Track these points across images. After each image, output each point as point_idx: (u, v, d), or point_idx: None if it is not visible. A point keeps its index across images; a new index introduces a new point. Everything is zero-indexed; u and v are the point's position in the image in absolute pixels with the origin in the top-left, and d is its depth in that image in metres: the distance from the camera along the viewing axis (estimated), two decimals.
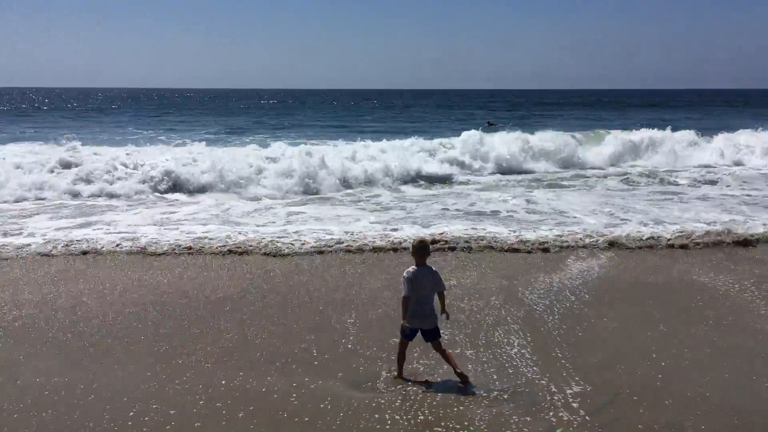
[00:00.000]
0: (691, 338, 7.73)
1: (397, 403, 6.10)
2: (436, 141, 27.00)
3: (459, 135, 26.77)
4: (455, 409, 5.97)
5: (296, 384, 6.50)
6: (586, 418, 5.80)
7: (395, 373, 6.70)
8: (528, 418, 5.80)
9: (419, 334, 6.61)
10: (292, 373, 6.76)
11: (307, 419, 5.80)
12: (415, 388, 6.40)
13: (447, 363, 6.66)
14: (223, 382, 6.54)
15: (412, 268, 6.57)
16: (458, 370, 6.55)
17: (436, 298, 6.59)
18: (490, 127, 45.78)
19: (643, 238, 12.59)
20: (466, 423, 5.72)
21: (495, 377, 6.66)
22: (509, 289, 9.56)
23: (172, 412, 5.92)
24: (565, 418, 5.79)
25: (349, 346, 7.51)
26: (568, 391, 6.31)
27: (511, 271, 10.60)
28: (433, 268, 6.65)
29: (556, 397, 6.20)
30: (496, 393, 6.31)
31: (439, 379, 6.62)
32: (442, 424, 5.72)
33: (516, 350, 7.32)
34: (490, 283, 9.88)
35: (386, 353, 7.20)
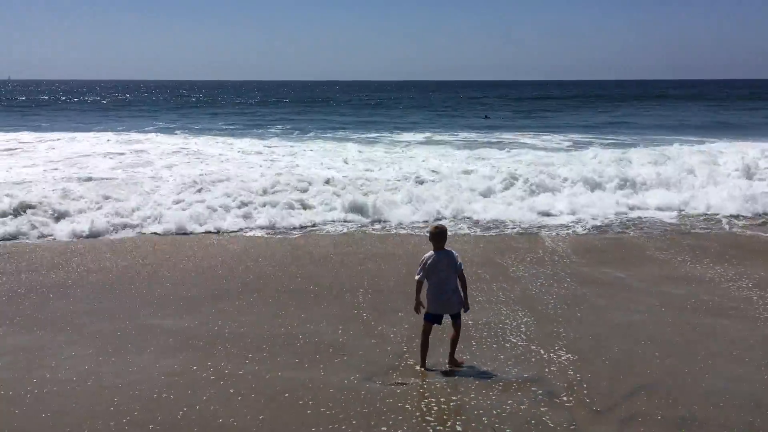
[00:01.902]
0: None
1: (413, 394, 6.18)
2: None
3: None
4: (470, 400, 6.03)
5: (313, 372, 6.63)
6: (604, 412, 5.84)
7: (418, 366, 6.75)
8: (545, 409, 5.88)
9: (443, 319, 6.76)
10: (311, 361, 6.90)
11: (324, 407, 5.89)
12: (432, 379, 6.47)
13: (450, 344, 6.74)
14: (241, 371, 6.68)
15: (430, 252, 6.69)
16: (453, 357, 6.74)
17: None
18: (487, 120, 47.41)
19: None
20: (482, 413, 5.77)
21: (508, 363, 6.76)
22: None
23: (185, 396, 6.06)
24: (582, 411, 5.84)
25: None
26: (584, 383, 6.37)
27: None
28: (452, 251, 6.75)
29: (573, 388, 6.25)
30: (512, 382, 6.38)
31: (463, 367, 6.73)
32: (456, 415, 5.78)
33: (520, 335, 7.48)
34: None
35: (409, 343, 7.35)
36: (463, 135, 35.46)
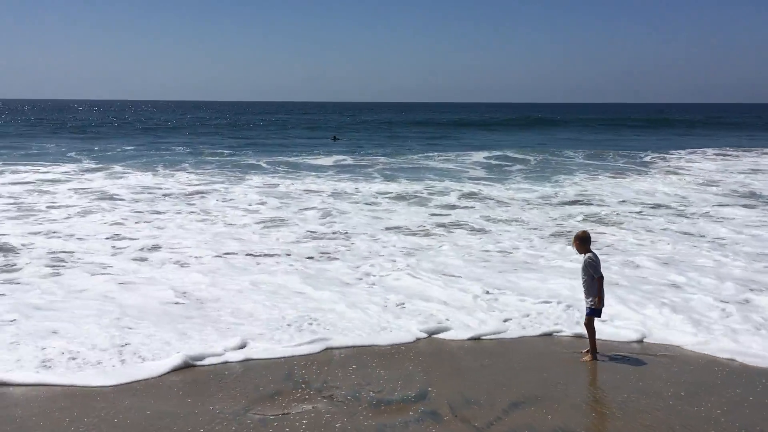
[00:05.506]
0: None
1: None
2: None
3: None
4: (359, 424, 5.99)
5: None
6: (483, 428, 5.97)
7: (588, 357, 7.50)
8: None
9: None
10: None
11: None
12: (327, 405, 6.35)
13: (589, 339, 7.52)
14: None
15: (590, 253, 7.45)
16: (596, 352, 7.51)
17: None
18: (336, 141, 49.16)
19: None
20: None
21: None
22: None
23: None
24: (463, 428, 5.93)
25: None
26: (466, 401, 6.47)
27: None
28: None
29: (456, 405, 6.31)
30: None
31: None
32: None
33: None
34: None
35: None
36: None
